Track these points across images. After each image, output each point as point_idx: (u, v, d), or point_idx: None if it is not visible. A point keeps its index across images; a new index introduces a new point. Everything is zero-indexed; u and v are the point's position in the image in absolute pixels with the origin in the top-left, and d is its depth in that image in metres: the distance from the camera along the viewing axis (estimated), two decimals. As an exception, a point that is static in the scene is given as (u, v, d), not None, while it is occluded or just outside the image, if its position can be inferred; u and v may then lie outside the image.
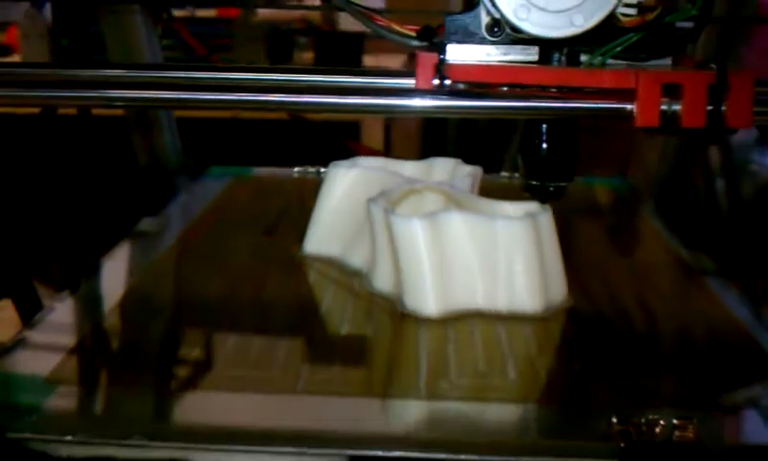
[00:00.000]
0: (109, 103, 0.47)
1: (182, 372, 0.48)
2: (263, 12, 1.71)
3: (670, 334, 0.54)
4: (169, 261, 0.65)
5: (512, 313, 0.53)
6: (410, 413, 0.45)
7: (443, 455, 0.39)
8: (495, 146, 1.37)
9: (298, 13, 1.75)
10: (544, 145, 0.54)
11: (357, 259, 0.60)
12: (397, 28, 0.50)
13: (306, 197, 0.67)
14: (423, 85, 0.49)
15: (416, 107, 0.45)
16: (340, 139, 1.14)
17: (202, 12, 1.73)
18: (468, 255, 0.53)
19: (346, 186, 0.62)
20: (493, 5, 0.45)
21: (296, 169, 0.86)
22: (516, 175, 0.84)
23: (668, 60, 0.48)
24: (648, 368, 0.50)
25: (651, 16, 0.45)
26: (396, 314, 0.53)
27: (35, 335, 0.52)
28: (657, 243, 0.73)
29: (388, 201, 0.56)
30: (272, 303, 0.57)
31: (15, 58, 1.69)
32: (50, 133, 1.16)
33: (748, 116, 0.43)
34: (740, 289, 0.59)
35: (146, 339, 0.53)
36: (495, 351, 0.49)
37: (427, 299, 0.52)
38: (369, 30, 0.50)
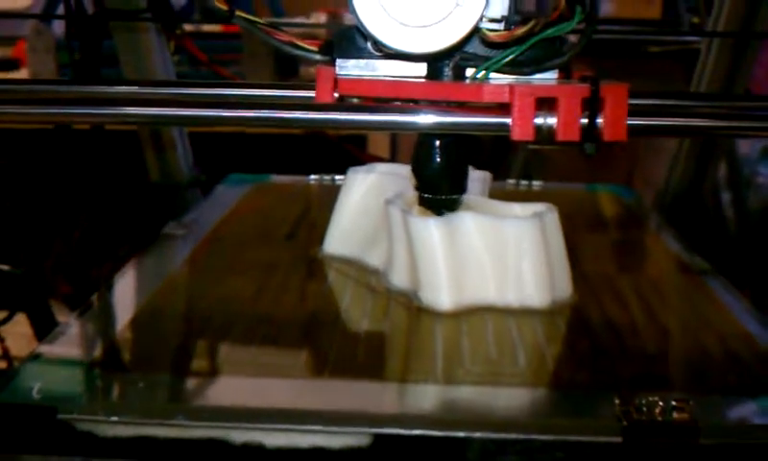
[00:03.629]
0: (125, 120, 0.48)
1: (218, 359, 0.51)
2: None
3: (665, 325, 0.57)
4: (196, 262, 0.68)
5: (521, 307, 0.56)
6: (428, 396, 0.48)
7: (459, 433, 0.42)
8: (503, 155, 1.39)
9: (304, 29, 1.77)
10: (437, 159, 0.55)
11: (375, 259, 0.63)
12: (300, 43, 0.51)
13: (323, 203, 0.70)
14: (324, 99, 0.49)
15: (308, 119, 0.46)
16: (344, 147, 1.16)
17: (209, 27, 1.74)
18: (480, 254, 0.56)
19: (363, 190, 0.65)
20: (359, 20, 0.45)
21: (312, 177, 0.89)
22: (523, 182, 0.88)
23: (554, 75, 0.47)
24: (646, 354, 0.53)
25: (521, 32, 0.45)
26: (413, 309, 0.56)
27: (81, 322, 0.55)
28: (658, 246, 0.76)
29: (405, 202, 0.59)
30: (297, 299, 0.60)
31: (23, 72, 1.70)
32: (63, 147, 1.18)
33: (622, 129, 0.43)
34: (734, 286, 0.63)
35: (181, 332, 0.56)
36: (506, 341, 0.52)
37: (442, 294, 0.55)
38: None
